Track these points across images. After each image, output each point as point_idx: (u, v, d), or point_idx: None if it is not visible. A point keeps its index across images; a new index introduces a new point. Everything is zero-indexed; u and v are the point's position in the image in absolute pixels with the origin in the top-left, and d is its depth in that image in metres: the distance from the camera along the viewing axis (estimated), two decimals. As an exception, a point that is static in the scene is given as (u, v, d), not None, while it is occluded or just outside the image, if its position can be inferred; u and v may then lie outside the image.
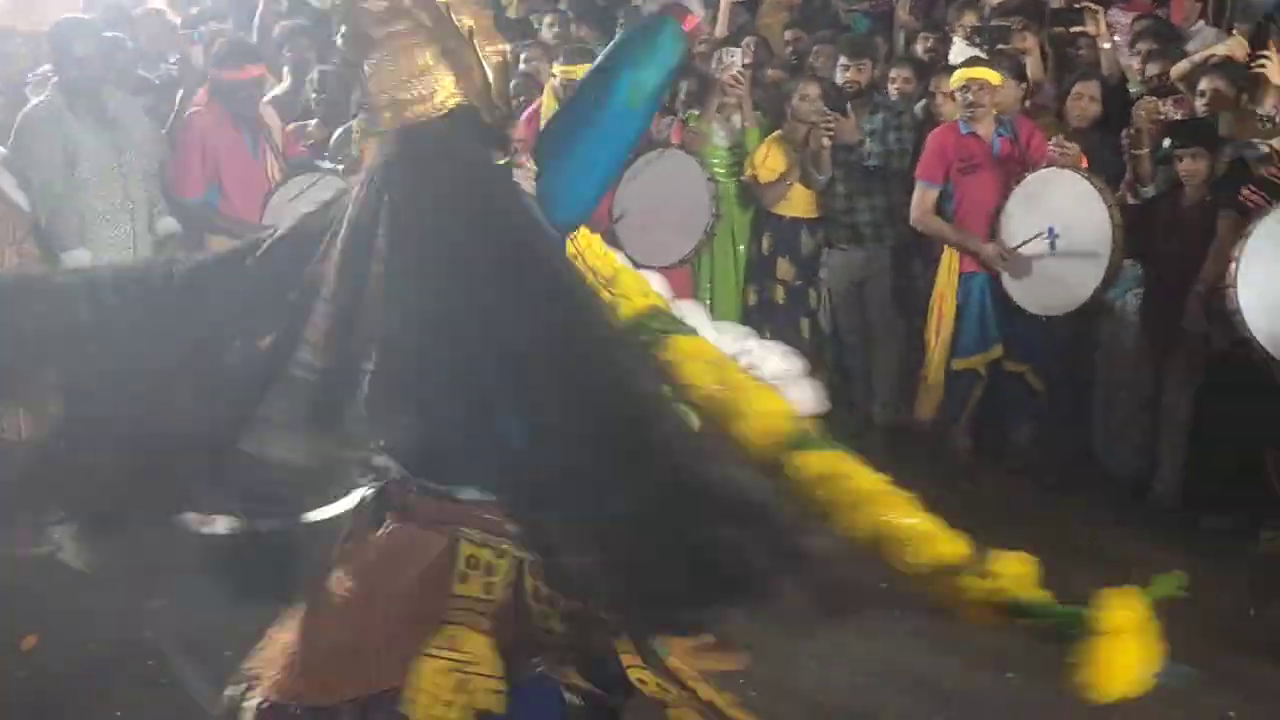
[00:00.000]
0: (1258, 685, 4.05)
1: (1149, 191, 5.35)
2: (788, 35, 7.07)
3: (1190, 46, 6.19)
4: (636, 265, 6.01)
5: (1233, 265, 4.55)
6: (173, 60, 6.50)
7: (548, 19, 7.28)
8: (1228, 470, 5.21)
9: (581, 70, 5.74)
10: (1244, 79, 5.26)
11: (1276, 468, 5.00)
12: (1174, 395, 5.33)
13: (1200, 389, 5.25)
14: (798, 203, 6.17)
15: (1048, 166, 5.36)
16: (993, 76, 5.59)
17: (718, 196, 5.90)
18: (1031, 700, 3.72)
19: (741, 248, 6.35)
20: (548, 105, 5.76)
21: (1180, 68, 5.69)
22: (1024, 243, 5.40)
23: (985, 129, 5.60)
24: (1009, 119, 5.67)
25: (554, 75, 5.83)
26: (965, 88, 5.55)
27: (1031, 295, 5.49)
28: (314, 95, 6.30)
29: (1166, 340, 5.29)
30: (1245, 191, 4.83)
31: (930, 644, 4.01)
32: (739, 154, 6.27)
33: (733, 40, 6.66)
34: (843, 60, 6.23)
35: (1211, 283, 4.92)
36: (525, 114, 5.83)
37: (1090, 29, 6.23)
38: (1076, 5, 6.44)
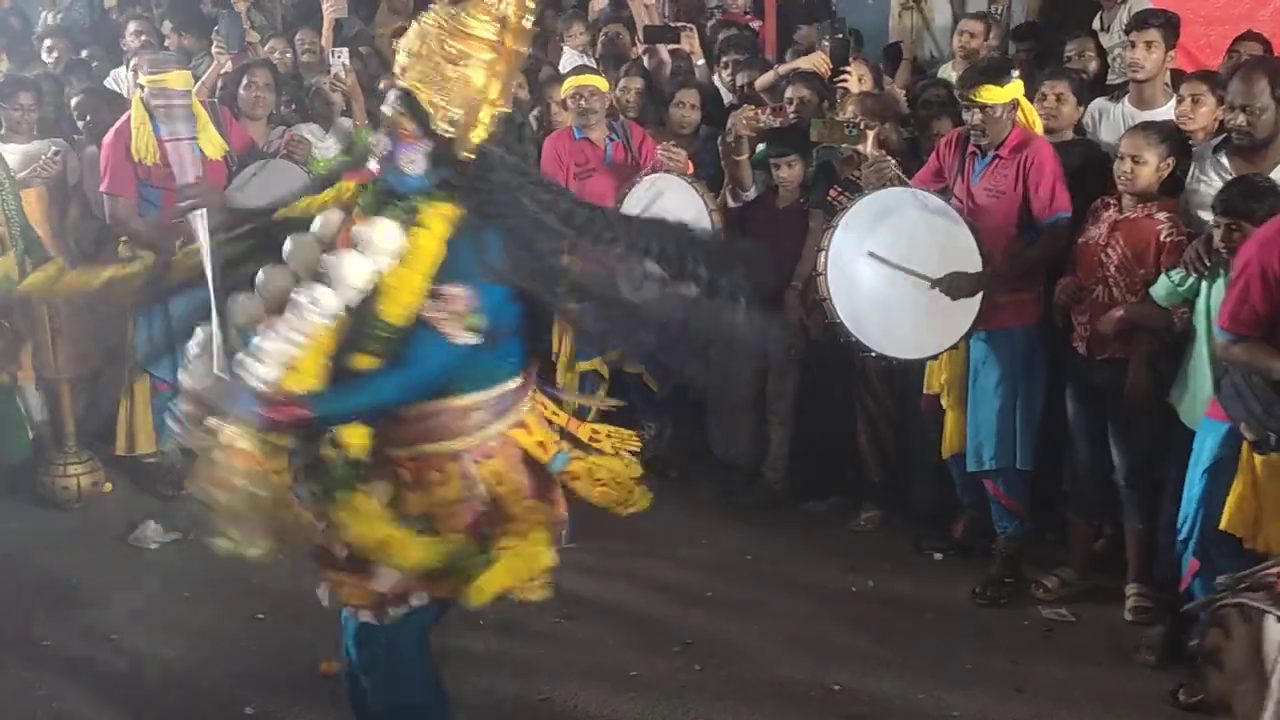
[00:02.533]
0: (852, 654, 4.31)
1: (749, 195, 5.60)
2: (395, 45, 6.96)
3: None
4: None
5: (821, 256, 4.81)
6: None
7: (132, 26, 6.84)
8: (828, 458, 5.54)
9: (171, 78, 5.43)
10: (825, 89, 5.61)
11: (870, 455, 5.34)
12: (777, 388, 5.59)
13: (802, 382, 5.53)
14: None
15: (656, 172, 5.51)
16: (601, 83, 5.74)
17: (326, 204, 5.69)
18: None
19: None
20: (137, 116, 5.39)
21: (765, 79, 5.99)
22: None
23: (598, 134, 5.71)
24: (621, 124, 5.81)
25: (141, 86, 5.47)
26: (577, 94, 5.65)
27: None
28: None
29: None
30: (832, 192, 5.14)
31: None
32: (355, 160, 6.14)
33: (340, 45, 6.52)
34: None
35: (806, 276, 5.19)
36: (112, 130, 5.45)
37: (685, 46, 6.52)
38: (672, 24, 6.74)
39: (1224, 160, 4.29)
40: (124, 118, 5.49)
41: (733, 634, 4.42)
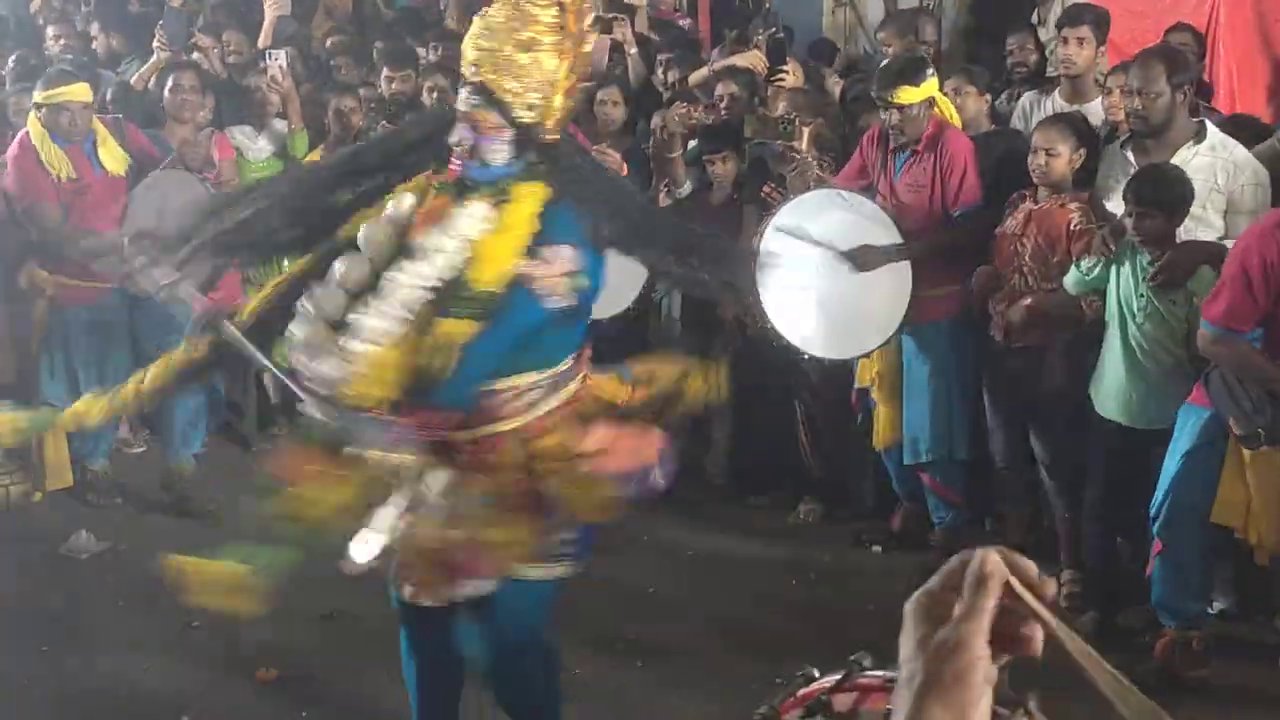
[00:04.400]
0: (794, 648, 4.29)
1: (682, 192, 5.59)
2: (329, 44, 6.90)
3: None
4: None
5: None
6: None
7: (50, 30, 6.63)
8: (768, 452, 5.54)
9: (70, 90, 5.28)
10: (756, 85, 5.62)
11: (809, 449, 5.35)
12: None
13: (740, 376, 5.53)
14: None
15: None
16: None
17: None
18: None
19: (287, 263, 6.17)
20: (36, 135, 5.23)
21: (698, 75, 5.99)
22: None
23: None
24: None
25: (38, 105, 5.27)
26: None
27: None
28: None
29: (705, 332, 5.54)
30: (766, 188, 5.16)
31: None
32: (287, 162, 6.07)
33: (277, 47, 6.44)
34: (386, 72, 6.17)
35: (740, 274, 5.20)
36: (15, 145, 5.31)
37: (617, 36, 6.49)
38: (605, 15, 6.69)
39: (1129, 154, 4.35)
40: (21, 133, 5.33)
41: (674, 629, 4.42)
